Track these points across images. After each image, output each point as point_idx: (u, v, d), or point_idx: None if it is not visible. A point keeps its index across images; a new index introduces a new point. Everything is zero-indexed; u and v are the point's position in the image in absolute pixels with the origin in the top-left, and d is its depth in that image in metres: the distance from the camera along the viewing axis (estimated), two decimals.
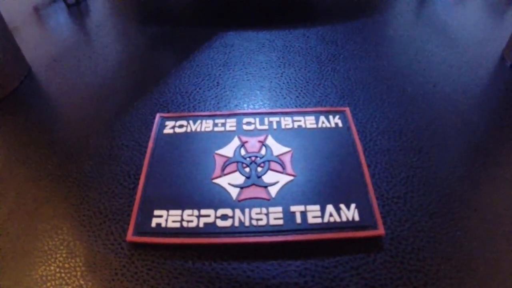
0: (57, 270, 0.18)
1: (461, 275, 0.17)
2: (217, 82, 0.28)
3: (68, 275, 0.18)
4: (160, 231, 0.18)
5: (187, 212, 0.18)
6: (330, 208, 0.18)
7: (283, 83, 0.27)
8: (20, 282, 0.19)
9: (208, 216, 0.18)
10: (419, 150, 0.23)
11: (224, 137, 0.22)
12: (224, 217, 0.18)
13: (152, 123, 0.24)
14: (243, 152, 0.21)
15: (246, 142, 0.22)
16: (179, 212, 0.18)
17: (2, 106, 0.31)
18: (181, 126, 0.23)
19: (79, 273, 0.18)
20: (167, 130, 0.22)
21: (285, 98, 0.26)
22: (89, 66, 0.34)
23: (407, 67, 0.31)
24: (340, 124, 0.22)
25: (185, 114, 0.24)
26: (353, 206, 0.18)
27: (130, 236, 0.18)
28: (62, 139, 0.26)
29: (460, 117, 0.26)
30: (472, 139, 0.25)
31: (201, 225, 0.18)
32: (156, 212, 0.18)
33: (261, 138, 0.22)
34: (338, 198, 0.18)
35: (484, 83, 0.32)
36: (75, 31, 0.45)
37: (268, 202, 0.19)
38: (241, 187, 0.19)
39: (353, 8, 0.41)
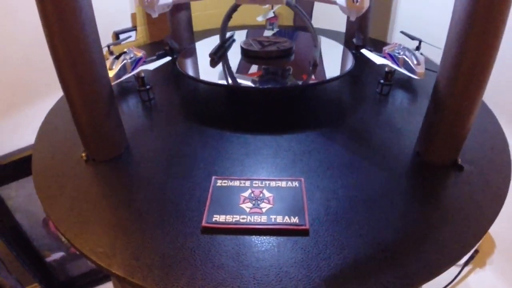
0: (164, 242, 0.46)
1: (346, 252, 0.44)
2: (241, 163, 0.57)
3: (174, 241, 0.46)
4: (216, 222, 0.44)
5: (228, 216, 0.44)
6: (286, 217, 0.44)
7: (274, 166, 0.55)
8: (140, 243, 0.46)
9: (237, 217, 0.45)
10: (337, 199, 0.51)
11: (244, 189, 0.49)
12: (243, 218, 0.45)
13: (210, 180, 0.52)
14: (252, 195, 0.50)
15: (254, 191, 0.51)
16: (224, 216, 0.44)
17: (109, 166, 0.58)
18: (225, 183, 0.50)
19: (180, 237, 0.46)
20: (218, 184, 0.50)
21: (273, 172, 0.53)
22: (162, 148, 0.65)
23: (348, 160, 0.61)
24: (297, 185, 0.50)
25: (226, 177, 0.52)
26: (297, 217, 0.45)
27: (203, 224, 0.45)
28: (158, 185, 0.55)
29: (376, 188, 0.53)
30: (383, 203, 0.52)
31: (233, 221, 0.45)
32: (215, 215, 0.44)
33: (260, 190, 0.50)
34: (290, 214, 0.45)
35: (400, 164, 0.58)
36: (149, 120, 0.76)
37: (261, 214, 0.46)
38: (250, 208, 0.47)
39: (321, 121, 0.72)
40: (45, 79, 1.01)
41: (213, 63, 0.85)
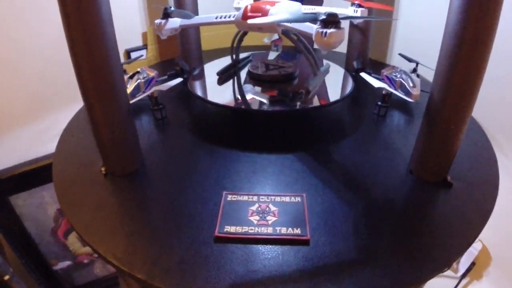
0: (181, 250, 0.53)
1: (342, 260, 0.51)
2: (248, 180, 0.63)
3: (189, 249, 0.52)
4: (227, 232, 0.49)
5: (238, 227, 0.50)
6: (289, 228, 0.50)
7: (278, 183, 0.61)
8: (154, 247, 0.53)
9: (246, 228, 0.52)
10: (335, 213, 0.58)
11: (252, 203, 0.55)
12: (251, 229, 0.52)
13: (221, 195, 0.59)
14: (259, 209, 0.56)
15: (261, 205, 0.57)
16: (234, 227, 0.50)
17: (127, 180, 0.64)
18: (235, 198, 0.56)
19: (194, 246, 0.52)
20: (229, 199, 0.56)
21: (278, 189, 0.59)
22: (175, 165, 0.72)
23: (345, 177, 0.67)
24: (300, 200, 0.56)
25: (236, 193, 0.58)
26: (299, 229, 0.52)
27: (216, 233, 0.51)
28: (173, 199, 0.62)
29: (371, 203, 0.60)
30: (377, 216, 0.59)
31: (242, 231, 0.51)
32: (226, 226, 0.50)
33: (267, 204, 0.57)
34: (293, 226, 0.51)
35: (394, 181, 0.65)
36: (162, 137, 0.82)
37: (267, 225, 0.52)
38: (258, 220, 0.54)
39: (322, 141, 0.78)
40: (56, 93, 1.09)
41: (220, 82, 0.92)
